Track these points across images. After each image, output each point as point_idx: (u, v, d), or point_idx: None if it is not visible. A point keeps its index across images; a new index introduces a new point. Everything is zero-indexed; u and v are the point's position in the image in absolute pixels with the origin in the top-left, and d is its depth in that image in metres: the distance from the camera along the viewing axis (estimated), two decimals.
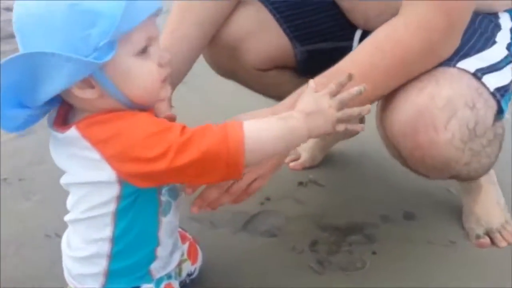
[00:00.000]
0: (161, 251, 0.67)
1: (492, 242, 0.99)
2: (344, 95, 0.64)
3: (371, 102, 0.75)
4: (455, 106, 0.70)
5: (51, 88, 0.54)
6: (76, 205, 0.63)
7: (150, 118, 0.59)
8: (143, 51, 0.57)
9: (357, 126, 0.70)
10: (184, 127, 0.57)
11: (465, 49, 0.77)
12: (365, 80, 0.67)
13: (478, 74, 0.75)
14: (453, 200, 1.12)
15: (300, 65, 0.98)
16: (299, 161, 1.24)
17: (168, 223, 0.66)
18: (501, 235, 0.99)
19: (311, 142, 1.25)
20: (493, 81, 0.77)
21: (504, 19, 0.90)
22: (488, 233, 0.99)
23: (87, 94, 0.56)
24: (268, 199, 1.09)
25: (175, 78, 0.77)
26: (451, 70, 0.73)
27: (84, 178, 0.60)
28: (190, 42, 0.85)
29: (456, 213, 1.08)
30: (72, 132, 0.58)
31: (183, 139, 0.55)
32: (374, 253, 0.95)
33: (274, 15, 0.96)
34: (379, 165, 1.25)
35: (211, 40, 0.91)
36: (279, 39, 0.96)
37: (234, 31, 0.92)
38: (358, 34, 0.95)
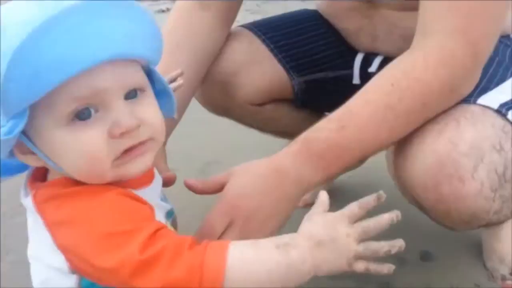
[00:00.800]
0: None
1: None
2: (371, 223, 0.50)
3: (386, 148, 0.70)
4: (480, 150, 0.63)
5: None
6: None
7: (118, 204, 0.45)
8: (82, 117, 0.44)
9: (383, 267, 0.51)
10: (155, 232, 0.44)
11: (484, 82, 0.69)
12: (380, 124, 0.63)
13: (503, 110, 0.67)
14: (470, 235, 1.02)
15: (298, 97, 0.96)
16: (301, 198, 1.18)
17: None
18: None
19: None
20: None
21: None
22: None
23: (30, 161, 0.47)
24: None
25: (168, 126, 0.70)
26: (472, 108, 0.66)
27: (42, 258, 0.49)
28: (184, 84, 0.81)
29: (475, 250, 1.00)
30: (29, 202, 0.48)
31: (145, 256, 0.42)
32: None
33: (267, 46, 0.93)
34: (386, 199, 1.16)
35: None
36: (275, 70, 0.94)
37: (226, 65, 0.89)
38: (359, 59, 0.93)
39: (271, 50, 0.94)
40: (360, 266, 0.49)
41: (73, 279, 0.47)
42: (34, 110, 0.43)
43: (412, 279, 0.94)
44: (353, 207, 0.50)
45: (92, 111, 0.43)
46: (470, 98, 0.67)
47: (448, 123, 0.64)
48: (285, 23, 0.99)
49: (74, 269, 0.46)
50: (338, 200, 1.11)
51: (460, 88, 0.66)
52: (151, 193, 0.51)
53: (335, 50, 0.95)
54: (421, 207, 0.71)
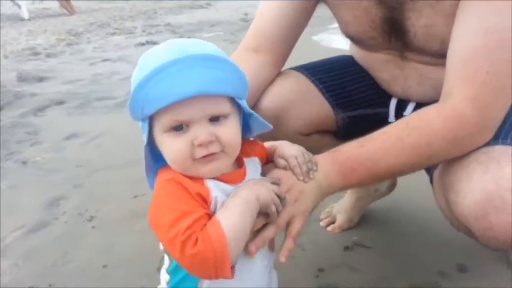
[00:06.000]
0: None
1: None
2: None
3: (394, 177, 0.82)
4: None
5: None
6: None
7: (170, 195, 0.61)
8: (177, 129, 0.61)
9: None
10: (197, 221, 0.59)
11: (508, 126, 0.81)
12: (389, 149, 0.77)
13: None
14: None
15: (340, 130, 1.07)
16: (336, 224, 1.31)
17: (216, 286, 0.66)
18: None
19: (347, 204, 1.32)
20: None
21: None
22: None
23: (158, 152, 0.66)
24: (321, 270, 1.14)
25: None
26: (509, 150, 0.76)
27: None
28: None
29: (502, 257, 1.12)
30: None
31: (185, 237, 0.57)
32: None
33: (316, 85, 1.06)
34: (416, 218, 1.31)
35: None
36: (322, 106, 1.05)
37: (277, 99, 0.99)
38: (393, 102, 1.05)
39: (320, 90, 1.05)
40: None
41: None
42: (152, 120, 0.63)
43: (454, 287, 1.06)
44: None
45: (184, 126, 0.61)
46: (506, 140, 0.78)
47: (491, 162, 0.74)
48: (330, 67, 1.11)
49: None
50: (375, 224, 1.28)
51: (465, 142, 0.77)
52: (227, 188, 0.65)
53: (373, 91, 1.06)
54: (470, 233, 0.81)
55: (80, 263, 1.25)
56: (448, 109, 0.77)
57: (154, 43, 4.44)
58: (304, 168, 0.73)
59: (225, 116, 0.63)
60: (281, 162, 0.74)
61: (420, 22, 0.86)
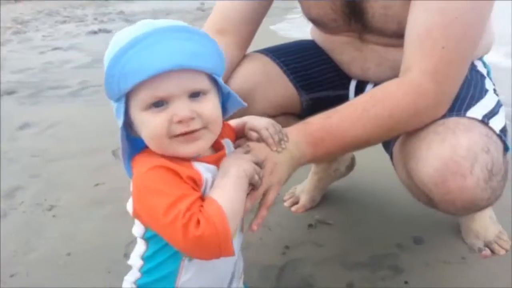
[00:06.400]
0: None
1: (493, 252, 1.13)
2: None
3: (360, 147, 0.86)
4: (474, 153, 0.78)
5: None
6: None
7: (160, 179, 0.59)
8: (156, 106, 0.59)
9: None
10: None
11: (467, 100, 0.87)
12: (356, 120, 0.80)
13: (485, 120, 0.84)
14: (447, 218, 1.22)
15: (304, 112, 1.08)
16: (300, 204, 1.35)
17: (195, 270, 0.66)
18: (499, 245, 1.14)
19: (309, 184, 1.36)
20: (496, 124, 0.86)
21: (480, 66, 1.01)
22: (487, 245, 1.13)
23: (134, 134, 0.64)
24: (287, 247, 1.17)
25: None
26: (463, 121, 0.82)
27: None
28: None
29: (454, 230, 1.21)
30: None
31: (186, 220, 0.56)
32: (406, 282, 1.04)
33: (281, 68, 1.08)
34: (373, 196, 1.38)
35: None
36: (287, 88, 1.07)
37: (244, 81, 1.00)
38: (353, 83, 1.09)
39: (285, 72, 1.07)
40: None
41: (141, 227, 0.65)
42: (129, 99, 0.60)
43: (413, 261, 1.13)
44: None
45: (164, 103, 0.59)
46: (460, 113, 0.83)
47: (447, 132, 0.80)
48: (293, 50, 1.13)
49: (135, 217, 0.64)
50: (336, 202, 1.35)
51: (424, 113, 0.82)
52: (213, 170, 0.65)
53: (334, 74, 1.10)
54: (430, 202, 0.87)
55: (42, 252, 1.22)
56: (407, 83, 0.81)
57: (108, 31, 4.32)
58: (276, 138, 0.75)
59: (204, 93, 0.61)
60: (253, 134, 0.75)
61: (378, 3, 0.90)
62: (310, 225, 1.28)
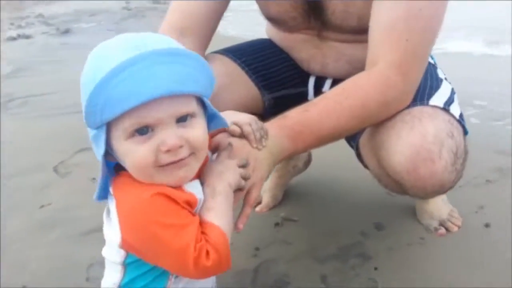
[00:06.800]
0: None
1: (447, 229, 1.21)
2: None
3: (337, 138, 0.88)
4: (441, 139, 0.83)
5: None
6: None
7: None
8: (141, 133, 0.56)
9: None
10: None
11: (427, 90, 0.92)
12: (331, 113, 0.82)
13: (447, 107, 0.90)
14: (402, 202, 1.31)
15: (267, 111, 1.09)
16: (263, 204, 1.36)
17: (183, 284, 0.66)
18: (451, 222, 1.23)
19: (270, 183, 1.37)
20: (455, 110, 0.92)
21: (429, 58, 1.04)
22: (441, 224, 1.22)
23: (113, 159, 0.62)
24: (257, 249, 1.17)
25: None
26: (427, 109, 0.87)
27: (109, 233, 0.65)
28: None
29: (409, 213, 1.29)
30: (110, 190, 0.63)
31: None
32: (375, 268, 1.09)
33: (243, 68, 1.08)
34: (332, 188, 1.44)
35: None
36: (249, 88, 1.08)
37: None
38: (312, 80, 1.12)
39: (246, 72, 1.08)
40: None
41: (121, 254, 0.62)
42: (110, 126, 0.57)
43: (379, 246, 1.18)
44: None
45: (149, 129, 0.56)
46: (424, 102, 0.88)
47: (414, 121, 0.84)
48: (253, 49, 1.14)
49: (125, 248, 0.60)
50: (298, 198, 1.39)
51: (393, 104, 0.86)
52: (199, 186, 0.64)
53: (294, 71, 1.11)
54: (398, 188, 0.91)
55: None
56: (376, 76, 0.84)
57: (28, 37, 4.02)
58: (258, 135, 0.74)
59: (192, 115, 0.59)
60: (236, 129, 0.74)
61: (339, 0, 0.92)
62: (276, 224, 1.29)
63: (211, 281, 0.74)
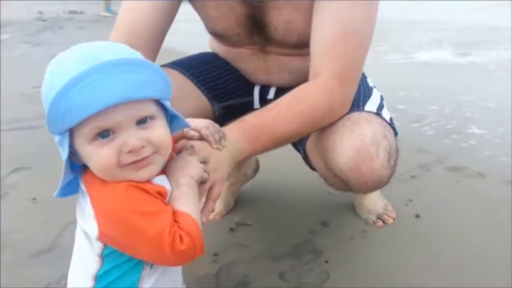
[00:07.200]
0: None
1: (384, 222, 1.37)
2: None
3: (291, 140, 0.98)
4: (377, 140, 0.95)
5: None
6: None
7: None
8: (102, 136, 0.60)
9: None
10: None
11: (362, 97, 1.05)
12: (283, 118, 0.89)
13: (379, 112, 1.03)
14: (342, 200, 1.46)
15: (217, 121, 1.14)
16: (216, 211, 1.42)
17: (157, 275, 0.69)
18: (387, 215, 1.39)
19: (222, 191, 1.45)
20: (386, 114, 1.05)
21: None
22: (378, 217, 1.37)
23: (78, 161, 0.65)
24: (216, 254, 1.22)
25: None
26: (363, 114, 0.99)
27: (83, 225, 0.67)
28: None
29: (350, 209, 1.44)
30: (82, 185, 0.66)
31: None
32: (326, 262, 1.19)
33: (192, 80, 1.13)
34: (280, 192, 1.55)
35: None
36: (200, 100, 1.13)
37: None
38: (257, 89, 1.20)
39: (196, 84, 1.14)
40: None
41: (99, 245, 0.64)
42: (73, 132, 0.60)
43: (326, 241, 1.29)
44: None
45: (110, 132, 0.60)
46: (359, 108, 1.01)
47: (353, 126, 0.96)
48: (200, 62, 1.19)
49: (103, 240, 0.63)
50: (249, 203, 1.47)
51: (336, 110, 0.97)
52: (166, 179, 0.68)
53: (239, 82, 1.19)
54: (343, 185, 1.03)
55: None
56: (320, 85, 0.94)
57: None
58: (216, 136, 0.79)
59: (151, 117, 0.63)
60: (194, 133, 0.79)
61: (280, 18, 1.02)
62: (231, 229, 1.36)
63: (180, 281, 0.78)
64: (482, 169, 1.72)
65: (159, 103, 0.65)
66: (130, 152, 0.60)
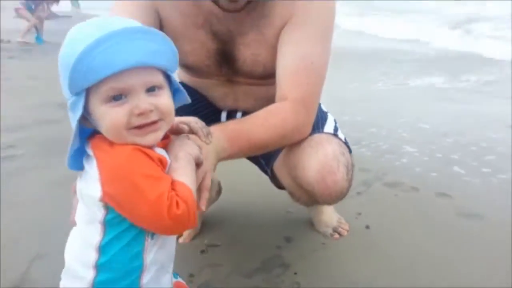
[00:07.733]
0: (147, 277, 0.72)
1: (339, 234, 1.53)
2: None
3: (265, 150, 1.10)
4: (337, 157, 1.12)
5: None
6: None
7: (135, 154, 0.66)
8: (116, 99, 0.65)
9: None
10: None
11: (320, 121, 1.22)
12: (259, 127, 1.03)
13: (336, 133, 1.21)
14: (302, 216, 1.61)
15: None
16: (185, 235, 1.48)
17: (157, 247, 0.72)
18: (342, 228, 1.56)
19: None
20: (341, 135, 1.23)
21: None
22: (334, 230, 1.54)
23: (89, 125, 0.70)
24: (191, 275, 1.28)
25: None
26: (323, 135, 1.17)
27: (87, 189, 0.70)
28: None
29: (308, 224, 1.59)
30: (88, 149, 0.70)
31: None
32: (295, 273, 1.30)
33: None
34: (244, 212, 1.66)
35: None
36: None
37: None
38: (224, 114, 1.33)
39: None
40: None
41: (101, 211, 0.68)
42: (89, 93, 0.66)
43: (293, 255, 1.41)
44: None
45: (123, 96, 0.66)
46: (319, 130, 1.18)
47: (317, 145, 1.12)
48: None
49: (105, 199, 0.66)
50: (215, 224, 1.54)
51: (302, 130, 1.12)
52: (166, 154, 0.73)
53: (208, 110, 1.32)
54: (309, 198, 1.19)
55: None
56: (289, 107, 1.08)
57: None
58: (204, 131, 0.85)
59: (159, 87, 0.69)
60: (185, 127, 0.84)
61: (248, 52, 1.16)
62: (202, 251, 1.43)
63: (173, 247, 0.79)
64: (416, 184, 1.96)
65: (165, 75, 0.72)
66: (140, 114, 0.66)
